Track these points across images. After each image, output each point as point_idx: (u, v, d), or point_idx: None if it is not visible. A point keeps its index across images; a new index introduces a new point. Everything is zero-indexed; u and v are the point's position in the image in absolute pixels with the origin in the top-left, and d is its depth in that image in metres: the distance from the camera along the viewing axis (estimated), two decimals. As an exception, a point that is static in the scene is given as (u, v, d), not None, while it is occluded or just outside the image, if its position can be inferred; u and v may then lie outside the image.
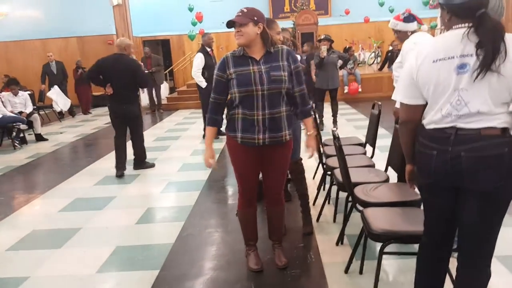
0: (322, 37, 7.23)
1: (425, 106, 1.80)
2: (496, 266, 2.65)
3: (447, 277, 2.06)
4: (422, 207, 2.07)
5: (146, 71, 7.30)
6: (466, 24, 1.65)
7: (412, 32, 3.66)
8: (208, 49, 7.03)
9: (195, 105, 10.80)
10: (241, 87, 2.44)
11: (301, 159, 3.32)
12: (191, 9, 12.87)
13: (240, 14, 2.40)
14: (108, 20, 11.99)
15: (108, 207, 4.24)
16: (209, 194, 4.48)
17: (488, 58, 1.56)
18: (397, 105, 3.43)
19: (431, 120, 1.76)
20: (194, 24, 12.63)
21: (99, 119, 10.58)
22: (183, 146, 6.93)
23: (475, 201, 1.72)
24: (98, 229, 3.73)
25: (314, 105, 7.36)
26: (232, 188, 4.66)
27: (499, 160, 1.64)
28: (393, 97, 1.91)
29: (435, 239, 1.96)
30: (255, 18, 2.40)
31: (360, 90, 10.89)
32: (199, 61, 6.86)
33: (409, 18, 3.65)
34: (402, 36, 3.69)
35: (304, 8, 13.73)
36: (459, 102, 1.66)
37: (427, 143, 1.77)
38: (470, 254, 1.82)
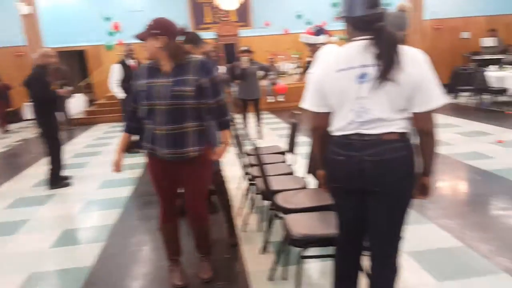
0: (243, 48, 7.43)
1: (331, 113, 1.90)
2: (408, 262, 2.85)
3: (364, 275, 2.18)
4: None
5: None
6: (366, 36, 1.76)
7: (323, 44, 3.86)
8: (130, 61, 6.87)
9: (116, 118, 10.42)
10: (146, 100, 2.43)
11: (220, 170, 3.33)
12: (108, 19, 12.47)
13: (146, 28, 2.42)
14: (17, 31, 11.22)
15: (20, 232, 3.93)
16: (131, 211, 4.33)
17: (385, 68, 1.68)
18: None
19: (337, 127, 1.85)
20: (111, 34, 12.22)
21: (14, 136, 9.82)
22: (103, 162, 6.63)
23: (380, 202, 1.84)
24: (9, 256, 3.45)
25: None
26: (156, 204, 4.53)
27: (398, 163, 1.76)
28: (301, 105, 2.00)
29: (347, 240, 2.06)
30: (157, 32, 2.38)
31: (282, 99, 11.19)
32: (114, 72, 6.78)
33: (318, 31, 3.90)
34: (314, 48, 3.89)
35: (225, 19, 13.89)
36: (361, 110, 1.76)
37: (334, 149, 1.87)
38: (380, 252, 1.94)
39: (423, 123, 1.76)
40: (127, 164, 6.55)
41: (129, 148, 7.12)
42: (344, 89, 1.78)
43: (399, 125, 1.76)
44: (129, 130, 2.62)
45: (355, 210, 1.95)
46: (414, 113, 1.76)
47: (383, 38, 1.71)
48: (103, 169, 6.13)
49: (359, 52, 1.76)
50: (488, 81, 8.81)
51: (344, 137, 1.82)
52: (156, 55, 2.43)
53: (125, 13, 14.45)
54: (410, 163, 1.79)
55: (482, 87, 8.94)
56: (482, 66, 9.92)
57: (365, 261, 2.09)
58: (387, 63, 1.68)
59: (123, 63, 6.84)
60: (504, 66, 9.38)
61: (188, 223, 2.81)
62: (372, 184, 1.80)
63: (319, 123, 1.95)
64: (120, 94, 6.83)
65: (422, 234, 3.28)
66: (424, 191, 1.91)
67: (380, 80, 1.69)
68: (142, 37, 2.43)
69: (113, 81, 6.83)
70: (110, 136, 9.09)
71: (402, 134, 1.77)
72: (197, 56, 2.53)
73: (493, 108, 8.88)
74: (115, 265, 3.17)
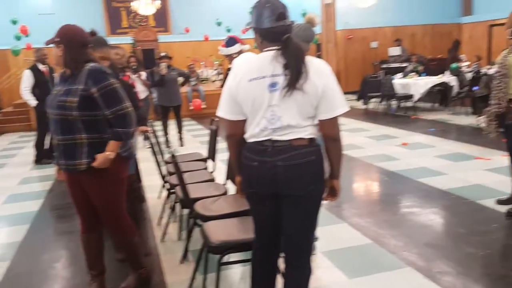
0: (162, 54, 7.34)
1: (245, 121, 1.95)
2: (322, 260, 2.98)
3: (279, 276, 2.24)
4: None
5: None
6: (275, 47, 1.84)
7: (238, 53, 4.00)
8: (41, 66, 6.47)
9: (25, 128, 9.73)
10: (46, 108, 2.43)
11: (135, 175, 3.24)
12: (14, 22, 11.58)
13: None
14: None
15: None
16: (41, 227, 4.05)
17: (293, 77, 1.77)
18: None
19: (251, 134, 1.91)
20: (18, 38, 11.35)
21: None
22: (9, 175, 6.14)
23: (292, 206, 1.92)
24: None
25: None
26: (68, 218, 4.29)
27: (308, 167, 1.86)
28: (217, 113, 2.03)
29: (263, 243, 2.12)
30: (57, 40, 2.35)
31: (204, 106, 11.16)
32: (25, 78, 6.35)
33: (230, 42, 4.06)
34: (230, 58, 4.04)
35: (143, 24, 13.58)
36: (273, 117, 1.83)
37: (249, 155, 1.93)
38: (293, 254, 2.01)
39: (328, 130, 1.87)
40: (36, 176, 6.18)
41: (40, 159, 6.73)
42: (257, 97, 1.84)
43: (308, 131, 1.86)
44: None
45: (269, 214, 2.01)
46: (320, 120, 1.86)
47: (290, 49, 1.80)
48: (9, 183, 5.68)
49: (269, 62, 1.83)
50: (395, 88, 9.52)
51: (258, 143, 1.88)
52: (58, 63, 2.38)
53: (35, 16, 13.59)
54: (319, 167, 1.90)
55: (390, 94, 9.65)
56: (389, 73, 10.69)
57: (281, 263, 2.16)
58: (294, 73, 1.77)
59: (35, 68, 6.43)
60: (408, 73, 10.17)
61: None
62: (285, 188, 1.87)
63: (235, 131, 1.99)
64: (32, 101, 6.41)
65: (335, 234, 3.45)
66: (333, 193, 2.02)
67: (288, 89, 1.78)
68: (48, 43, 2.39)
69: (24, 88, 6.40)
70: (17, 147, 8.44)
71: (311, 140, 1.88)
72: (92, 64, 2.38)
73: (400, 113, 9.61)
74: (23, 284, 2.95)
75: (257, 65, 1.87)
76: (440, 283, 2.65)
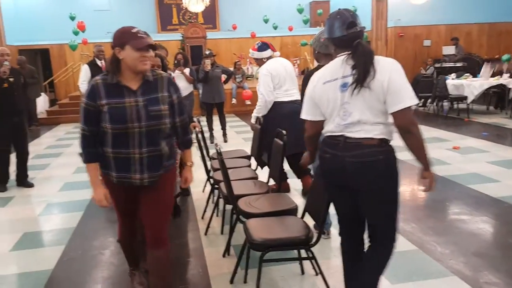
0: (206, 52, 7.53)
1: (323, 121, 2.16)
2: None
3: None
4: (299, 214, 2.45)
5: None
6: (347, 53, 2.02)
7: (268, 58, 4.24)
8: (98, 61, 6.77)
9: (79, 119, 10.17)
10: (115, 123, 2.11)
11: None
12: (72, 18, 12.17)
13: None
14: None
15: (-25, 236, 3.82)
16: (93, 214, 4.27)
17: (360, 77, 1.94)
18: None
19: (327, 129, 2.13)
20: (76, 33, 11.91)
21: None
22: (65, 164, 6.49)
23: (364, 198, 2.08)
24: (-38, 261, 3.34)
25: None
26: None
27: (375, 166, 2.00)
28: (300, 116, 2.25)
29: (345, 225, 2.31)
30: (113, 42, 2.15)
31: (249, 102, 11.25)
32: (83, 73, 6.67)
33: (262, 47, 4.27)
34: (259, 62, 4.30)
35: (192, 21, 13.85)
36: (345, 113, 2.01)
37: (324, 148, 2.14)
38: (374, 237, 2.20)
39: (400, 121, 1.96)
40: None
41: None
42: (331, 97, 2.05)
43: (378, 131, 1.99)
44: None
45: (346, 204, 2.20)
46: (391, 114, 1.97)
47: (358, 52, 1.97)
48: (64, 171, 6.01)
49: (340, 65, 2.04)
50: (448, 89, 9.17)
51: (332, 138, 2.08)
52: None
53: (90, 12, 14.20)
54: (387, 165, 2.02)
55: (442, 94, 9.30)
56: (442, 73, 10.30)
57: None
58: (361, 73, 1.94)
59: (93, 63, 6.75)
60: (463, 74, 9.77)
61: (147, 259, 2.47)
62: (353, 182, 2.05)
63: (315, 130, 2.22)
64: None
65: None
66: (426, 183, 2.06)
67: (355, 86, 1.95)
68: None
69: (82, 81, 6.73)
70: (72, 137, 8.89)
71: (382, 140, 2.00)
72: (161, 73, 2.32)
73: (452, 115, 9.26)
74: (76, 268, 3.13)
75: (330, 69, 2.09)
76: (487, 294, 2.57)
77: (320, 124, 2.17)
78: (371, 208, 2.10)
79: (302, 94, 2.79)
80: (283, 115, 4.01)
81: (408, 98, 1.92)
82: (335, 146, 2.05)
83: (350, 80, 1.97)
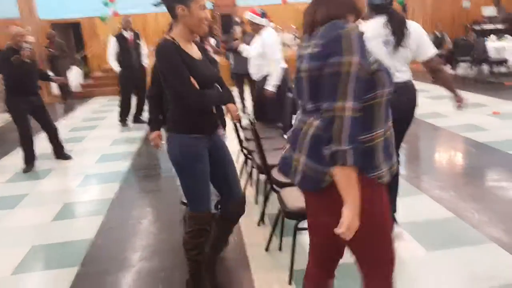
0: (235, 19, 7.40)
1: None
2: (399, 232, 2.92)
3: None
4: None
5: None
6: (381, 16, 2.57)
7: (265, 26, 4.38)
8: (126, 33, 6.80)
9: (113, 92, 10.36)
10: (373, 91, 1.41)
11: None
12: (102, -10, 12.19)
13: None
14: (10, 2, 11.00)
15: (20, 206, 4.00)
16: (130, 185, 4.39)
17: (399, 39, 2.54)
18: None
19: None
20: (106, 4, 11.97)
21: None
22: (101, 136, 6.66)
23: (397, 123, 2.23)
24: (10, 229, 3.52)
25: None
26: (154, 178, 4.60)
27: (407, 98, 2.66)
28: None
29: None
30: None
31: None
32: (111, 46, 6.73)
33: (264, 14, 4.40)
34: (256, 28, 4.40)
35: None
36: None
37: None
38: None
39: (430, 65, 2.69)
40: (125, 138, 6.63)
41: (123, 119, 7.14)
42: (375, 50, 2.25)
43: (407, 76, 2.67)
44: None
45: None
46: (423, 62, 2.68)
47: (395, 19, 2.56)
48: (101, 143, 6.17)
49: (381, 26, 2.57)
50: (488, 51, 8.74)
51: None
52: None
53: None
54: (412, 100, 2.70)
55: (482, 58, 8.88)
56: (482, 35, 9.79)
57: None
58: (400, 36, 2.54)
59: (120, 35, 6.77)
60: (504, 36, 9.25)
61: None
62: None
63: None
64: (117, 67, 6.81)
65: (413, 206, 3.35)
66: (460, 99, 2.79)
67: (397, 46, 2.55)
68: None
69: (110, 54, 6.80)
70: (106, 110, 9.08)
71: (408, 81, 2.67)
72: None
73: (492, 79, 8.86)
74: (115, 237, 3.25)
75: (373, 28, 2.55)
76: (529, 263, 2.50)
77: None
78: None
79: None
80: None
81: (432, 48, 2.68)
82: None
83: (390, 39, 2.55)
